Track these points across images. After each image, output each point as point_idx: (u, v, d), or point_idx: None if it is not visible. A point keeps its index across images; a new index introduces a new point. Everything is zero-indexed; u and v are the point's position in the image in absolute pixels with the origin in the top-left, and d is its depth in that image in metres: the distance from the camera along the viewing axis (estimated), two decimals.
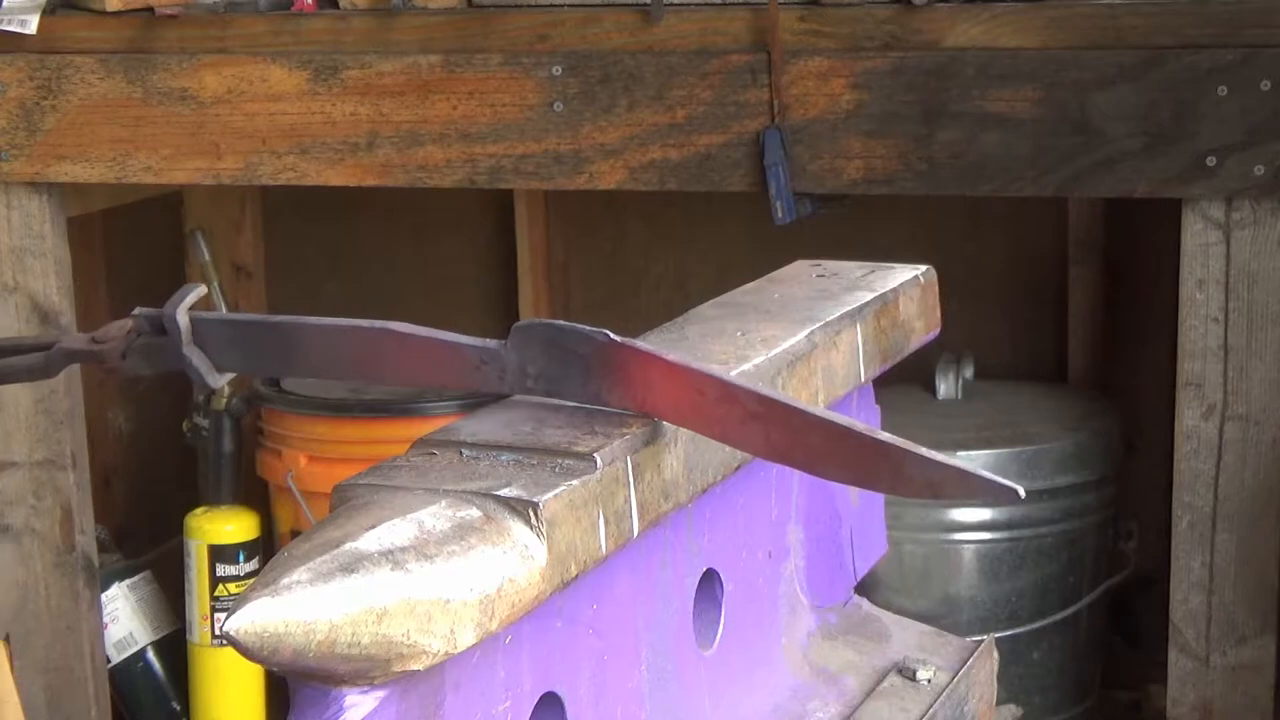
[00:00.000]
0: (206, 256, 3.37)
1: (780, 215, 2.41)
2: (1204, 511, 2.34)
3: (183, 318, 1.28)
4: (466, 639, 0.94)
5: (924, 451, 1.06)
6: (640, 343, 1.14)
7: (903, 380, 2.87)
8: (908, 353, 1.50)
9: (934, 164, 2.36)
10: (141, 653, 3.15)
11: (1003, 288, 3.26)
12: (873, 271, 1.52)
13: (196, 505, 3.07)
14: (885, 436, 1.07)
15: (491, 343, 1.17)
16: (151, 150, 2.65)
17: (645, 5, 2.45)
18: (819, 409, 1.12)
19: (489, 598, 0.96)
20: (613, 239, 3.44)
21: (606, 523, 1.06)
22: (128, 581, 3.14)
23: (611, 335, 1.13)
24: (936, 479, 1.06)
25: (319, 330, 1.24)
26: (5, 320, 2.75)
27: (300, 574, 0.90)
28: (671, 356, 1.13)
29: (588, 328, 1.14)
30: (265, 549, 3.03)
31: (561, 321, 1.15)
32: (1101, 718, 3.02)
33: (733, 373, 1.22)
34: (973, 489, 1.06)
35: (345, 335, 1.23)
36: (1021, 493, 1.04)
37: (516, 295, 3.40)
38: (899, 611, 1.59)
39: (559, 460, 1.06)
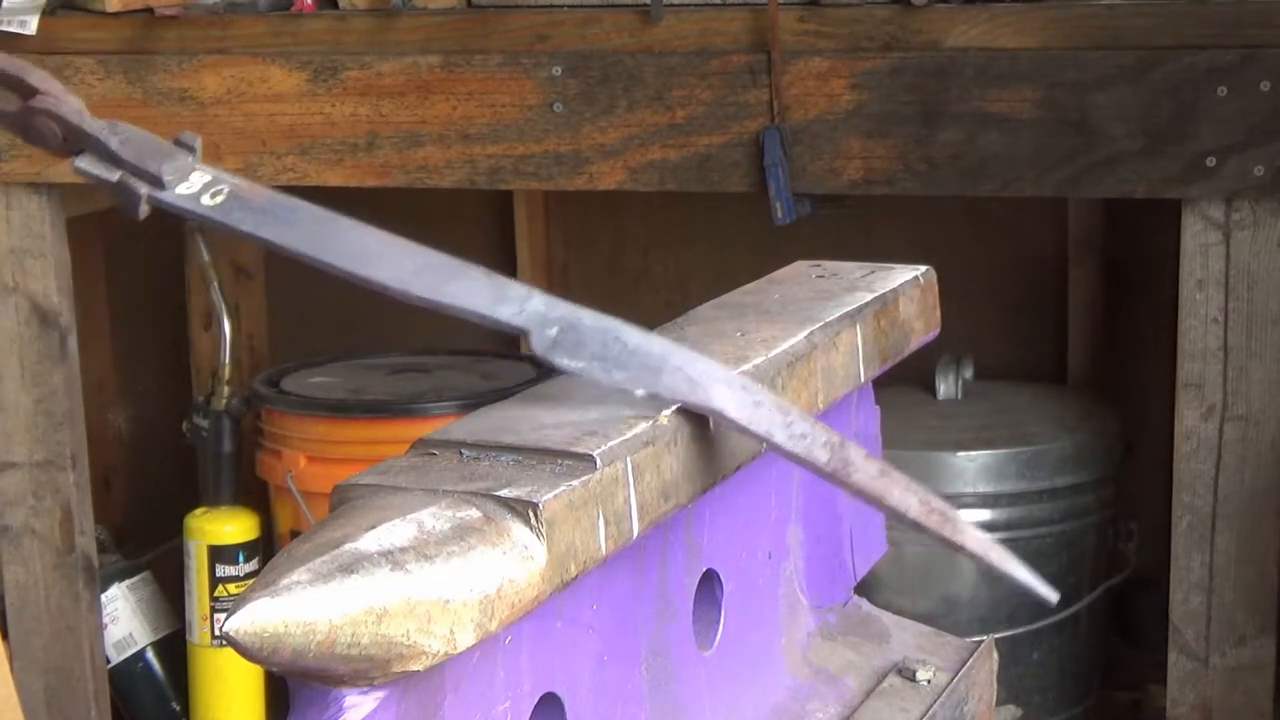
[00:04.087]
0: (206, 256, 3.36)
1: (780, 215, 2.41)
2: (1204, 512, 2.34)
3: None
4: (466, 639, 0.94)
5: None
6: None
7: (903, 380, 2.86)
8: (908, 353, 1.50)
9: (934, 164, 2.36)
10: (141, 653, 3.15)
11: (1003, 288, 3.26)
12: (872, 272, 1.52)
13: (196, 505, 3.07)
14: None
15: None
16: None
17: (645, 5, 2.45)
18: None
19: (489, 598, 0.96)
20: (613, 239, 3.44)
21: (606, 523, 1.06)
22: (128, 582, 3.14)
23: None
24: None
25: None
26: (5, 321, 2.75)
27: (300, 574, 0.89)
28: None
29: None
30: (265, 549, 3.03)
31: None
32: (1101, 718, 3.02)
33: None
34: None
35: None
36: (1054, 599, 1.13)
37: None
38: (899, 611, 1.58)
39: (559, 460, 1.06)
